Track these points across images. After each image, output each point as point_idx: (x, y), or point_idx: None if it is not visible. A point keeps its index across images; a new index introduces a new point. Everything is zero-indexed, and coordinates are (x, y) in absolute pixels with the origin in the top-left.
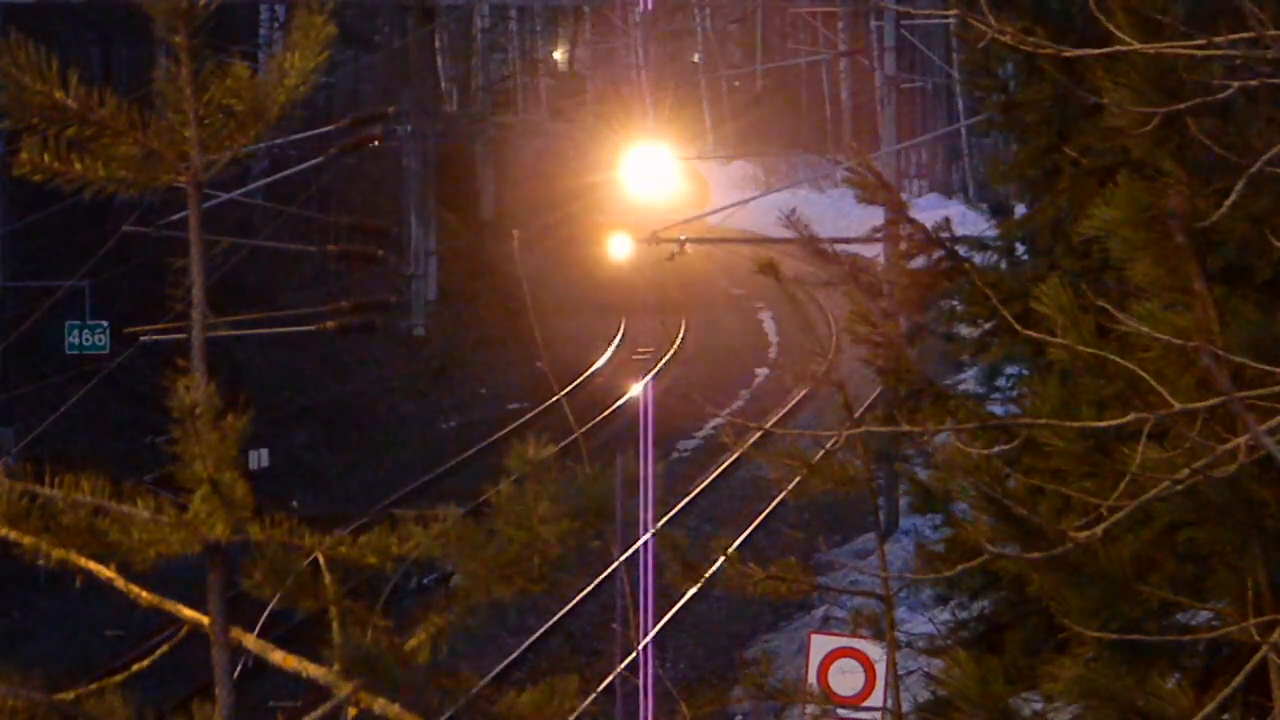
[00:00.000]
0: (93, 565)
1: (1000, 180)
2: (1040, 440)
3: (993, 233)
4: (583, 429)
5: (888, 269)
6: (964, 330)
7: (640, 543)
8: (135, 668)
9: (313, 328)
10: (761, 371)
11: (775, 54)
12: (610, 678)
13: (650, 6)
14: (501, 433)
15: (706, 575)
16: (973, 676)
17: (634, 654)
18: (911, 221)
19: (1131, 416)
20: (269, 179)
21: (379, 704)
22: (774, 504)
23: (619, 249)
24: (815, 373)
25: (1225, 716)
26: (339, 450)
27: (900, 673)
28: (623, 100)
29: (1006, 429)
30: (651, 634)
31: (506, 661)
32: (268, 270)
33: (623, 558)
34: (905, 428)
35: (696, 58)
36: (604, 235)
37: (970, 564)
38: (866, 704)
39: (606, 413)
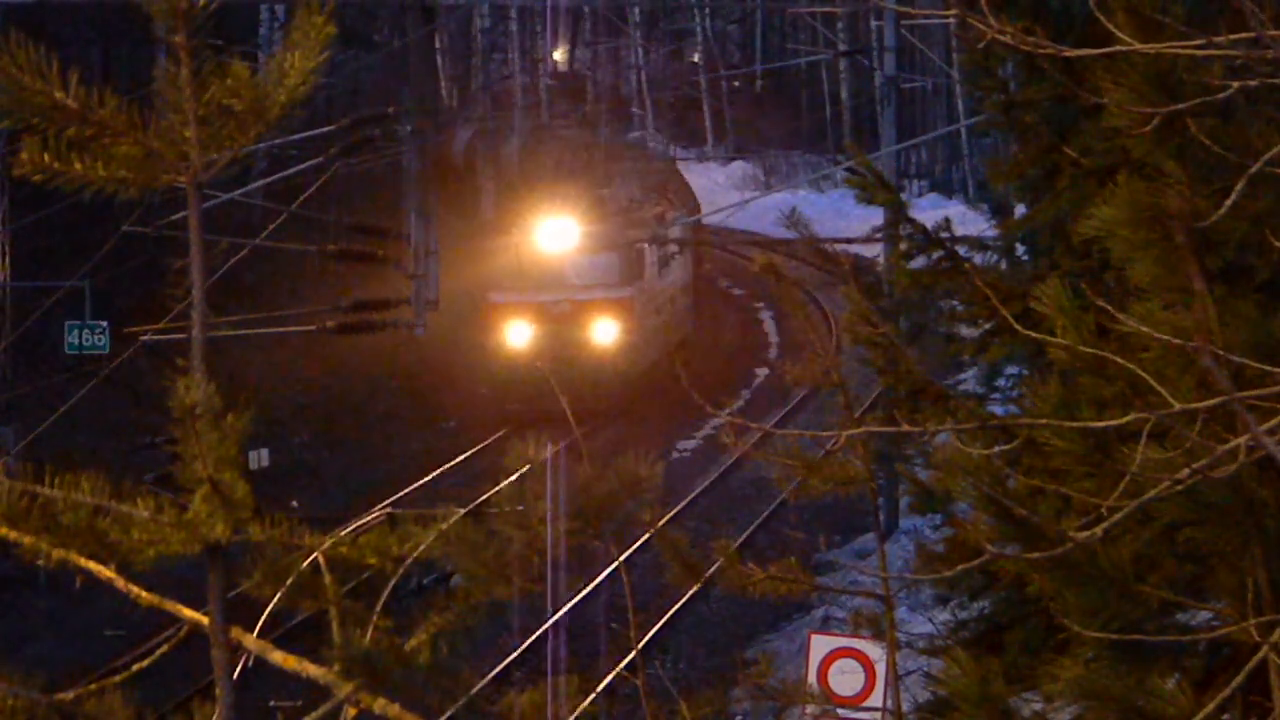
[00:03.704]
0: (93, 565)
1: (1000, 180)
2: (1040, 440)
3: (993, 233)
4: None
5: (888, 269)
6: (964, 330)
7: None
8: (135, 668)
9: (313, 328)
10: (761, 371)
11: (775, 54)
12: (609, 678)
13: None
14: (501, 433)
15: (707, 575)
16: (973, 676)
17: (632, 654)
18: (911, 221)
19: (1131, 416)
20: (269, 179)
21: (379, 704)
22: (775, 504)
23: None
24: (815, 373)
25: (1225, 716)
26: (339, 450)
27: (900, 673)
28: (622, 100)
29: (1006, 429)
30: (646, 638)
31: (506, 661)
32: (268, 270)
33: (622, 557)
34: (905, 428)
35: (696, 58)
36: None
37: (970, 564)
38: (866, 704)
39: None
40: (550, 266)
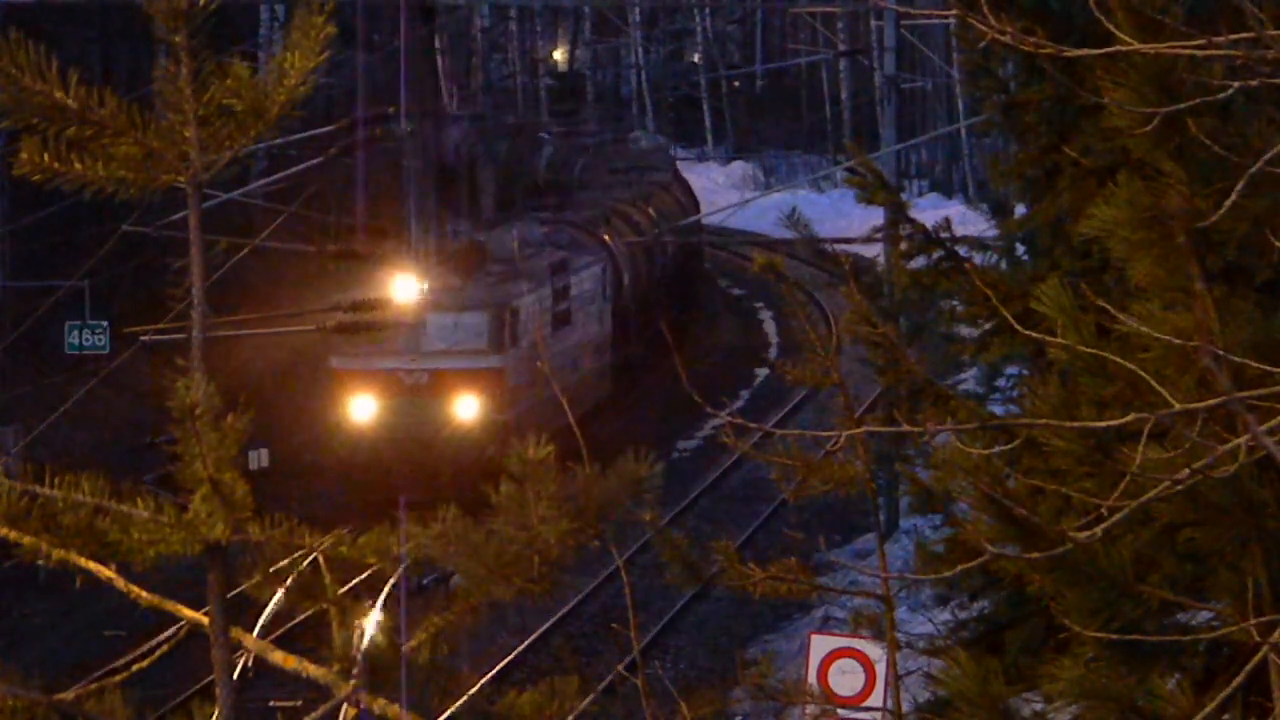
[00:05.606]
0: (93, 565)
1: (1000, 180)
2: (1040, 440)
3: (993, 233)
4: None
5: (888, 269)
6: (964, 330)
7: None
8: (135, 668)
9: (313, 328)
10: (761, 371)
11: (775, 54)
12: (609, 678)
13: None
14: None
15: (708, 578)
16: (973, 676)
17: (633, 654)
18: (911, 221)
19: (1131, 416)
20: (269, 179)
21: (379, 704)
22: (775, 504)
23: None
24: (815, 373)
25: (1225, 716)
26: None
27: (900, 673)
28: (621, 100)
29: (1006, 429)
30: (647, 639)
31: (506, 661)
32: (268, 270)
33: (623, 558)
34: (905, 428)
35: (696, 58)
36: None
37: (970, 564)
38: (866, 704)
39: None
40: (405, 327)
